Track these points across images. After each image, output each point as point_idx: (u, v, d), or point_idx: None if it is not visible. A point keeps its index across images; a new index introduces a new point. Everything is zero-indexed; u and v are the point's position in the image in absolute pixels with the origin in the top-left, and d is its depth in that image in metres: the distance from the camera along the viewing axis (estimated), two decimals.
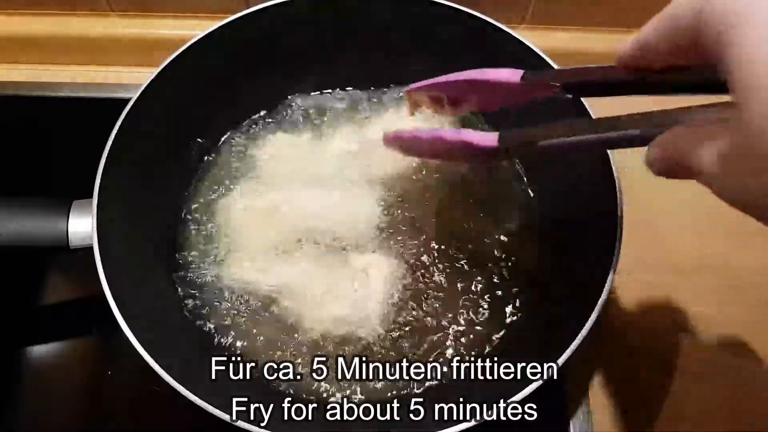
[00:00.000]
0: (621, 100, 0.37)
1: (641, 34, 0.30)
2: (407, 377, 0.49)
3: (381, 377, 0.49)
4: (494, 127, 0.60)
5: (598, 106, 0.49)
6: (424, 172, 0.58)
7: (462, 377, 0.49)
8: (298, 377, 0.49)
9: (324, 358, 0.49)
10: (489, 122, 0.60)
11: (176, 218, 0.56)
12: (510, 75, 0.41)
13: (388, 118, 0.61)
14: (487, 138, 0.40)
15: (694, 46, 0.27)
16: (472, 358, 0.50)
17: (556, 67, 0.51)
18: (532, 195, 0.57)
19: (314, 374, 0.49)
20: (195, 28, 0.61)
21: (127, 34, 0.68)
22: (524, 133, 0.39)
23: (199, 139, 0.59)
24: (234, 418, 0.39)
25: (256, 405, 0.47)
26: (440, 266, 0.53)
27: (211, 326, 0.51)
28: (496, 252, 0.54)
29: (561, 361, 0.40)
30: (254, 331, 0.51)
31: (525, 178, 0.58)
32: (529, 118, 0.39)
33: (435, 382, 0.49)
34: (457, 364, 0.50)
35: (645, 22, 0.29)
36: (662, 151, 0.29)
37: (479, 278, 0.53)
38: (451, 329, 0.51)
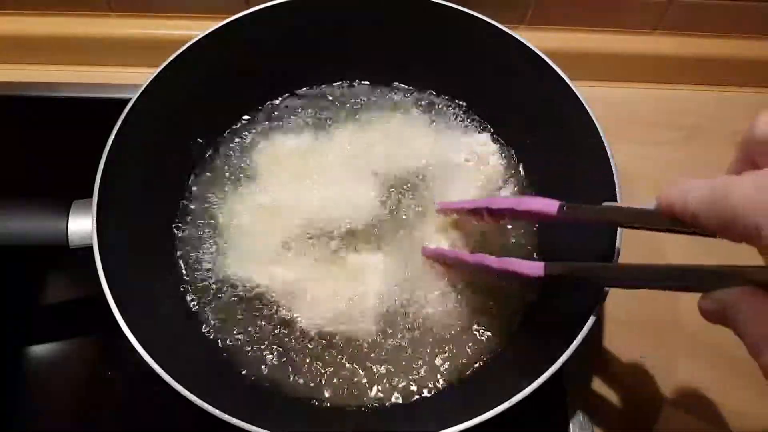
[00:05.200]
0: None
1: (689, 204, 0.29)
2: (405, 378, 0.49)
3: (379, 377, 0.49)
4: None
5: (596, 105, 0.49)
6: (425, 175, 0.58)
7: (461, 377, 0.49)
8: (296, 377, 0.49)
9: (321, 357, 0.50)
10: None
11: (176, 217, 0.56)
12: (545, 206, 0.40)
13: (388, 117, 0.61)
14: (534, 267, 0.41)
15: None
16: (471, 358, 0.50)
17: (555, 67, 0.51)
18: (532, 195, 0.57)
19: (312, 373, 0.49)
20: (195, 28, 0.61)
21: (127, 34, 0.67)
22: (573, 268, 0.40)
23: (199, 139, 0.59)
24: (233, 417, 0.39)
25: (255, 404, 0.47)
26: (439, 266, 0.53)
27: (211, 325, 0.51)
28: (496, 252, 0.54)
29: (561, 361, 0.40)
30: (253, 329, 0.51)
31: (525, 180, 0.58)
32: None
33: (435, 383, 0.49)
34: (456, 365, 0.50)
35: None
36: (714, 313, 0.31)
37: (478, 278, 0.53)
38: (449, 329, 0.51)
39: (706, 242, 0.60)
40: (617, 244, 0.44)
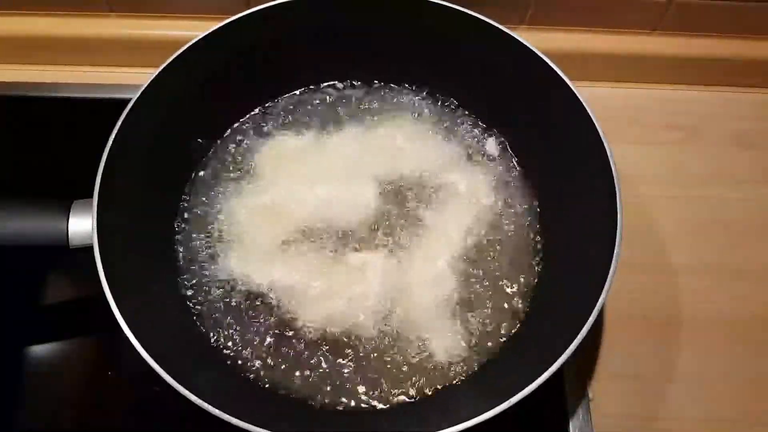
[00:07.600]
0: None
1: None
2: (404, 377, 0.49)
3: (379, 377, 0.49)
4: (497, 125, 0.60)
5: (596, 105, 0.49)
6: (425, 174, 0.58)
7: (461, 377, 0.49)
8: (296, 376, 0.49)
9: (320, 358, 0.50)
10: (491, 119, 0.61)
11: (176, 217, 0.56)
12: None
13: (387, 117, 0.61)
14: None
15: None
16: (470, 358, 0.50)
17: (555, 67, 0.51)
18: (532, 196, 0.57)
19: (312, 373, 0.49)
20: (195, 29, 0.61)
21: (127, 35, 0.67)
22: None
23: (199, 139, 0.59)
24: (233, 417, 0.39)
25: (255, 404, 0.47)
26: (439, 266, 0.53)
27: (211, 325, 0.51)
28: (496, 252, 0.54)
29: (561, 361, 0.40)
30: (253, 329, 0.51)
31: (526, 180, 0.58)
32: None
33: (434, 383, 0.49)
34: (456, 365, 0.50)
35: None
36: None
37: (478, 278, 0.53)
38: (449, 330, 0.51)
39: (707, 239, 0.61)
40: (616, 246, 0.44)
